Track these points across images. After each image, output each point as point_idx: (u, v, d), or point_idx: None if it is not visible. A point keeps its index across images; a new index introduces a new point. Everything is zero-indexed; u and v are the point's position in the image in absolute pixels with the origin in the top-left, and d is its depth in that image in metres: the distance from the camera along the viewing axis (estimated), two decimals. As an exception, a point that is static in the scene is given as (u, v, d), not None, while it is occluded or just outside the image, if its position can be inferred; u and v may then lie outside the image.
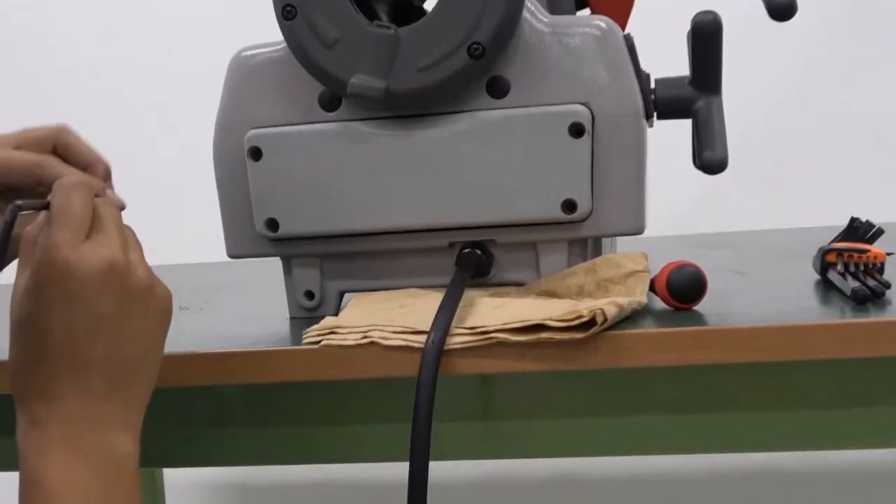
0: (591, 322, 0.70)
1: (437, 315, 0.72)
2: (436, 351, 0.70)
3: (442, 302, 0.74)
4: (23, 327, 0.63)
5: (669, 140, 1.09)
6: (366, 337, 0.74)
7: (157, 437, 0.82)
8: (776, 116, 1.61)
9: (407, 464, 0.68)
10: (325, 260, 0.86)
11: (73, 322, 0.62)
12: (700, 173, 0.83)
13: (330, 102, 0.83)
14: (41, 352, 0.62)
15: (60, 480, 0.60)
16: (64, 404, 0.62)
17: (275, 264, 0.89)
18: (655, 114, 0.87)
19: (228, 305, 1.00)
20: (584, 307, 0.70)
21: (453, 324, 0.73)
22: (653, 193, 0.92)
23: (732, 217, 1.53)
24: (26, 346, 0.63)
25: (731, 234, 1.28)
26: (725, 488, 1.68)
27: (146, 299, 0.65)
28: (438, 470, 0.84)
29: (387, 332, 0.74)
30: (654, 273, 0.79)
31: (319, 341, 0.75)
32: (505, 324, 0.72)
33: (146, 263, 0.66)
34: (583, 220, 0.81)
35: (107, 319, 0.63)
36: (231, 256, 0.87)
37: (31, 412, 0.62)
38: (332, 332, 0.76)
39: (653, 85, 0.86)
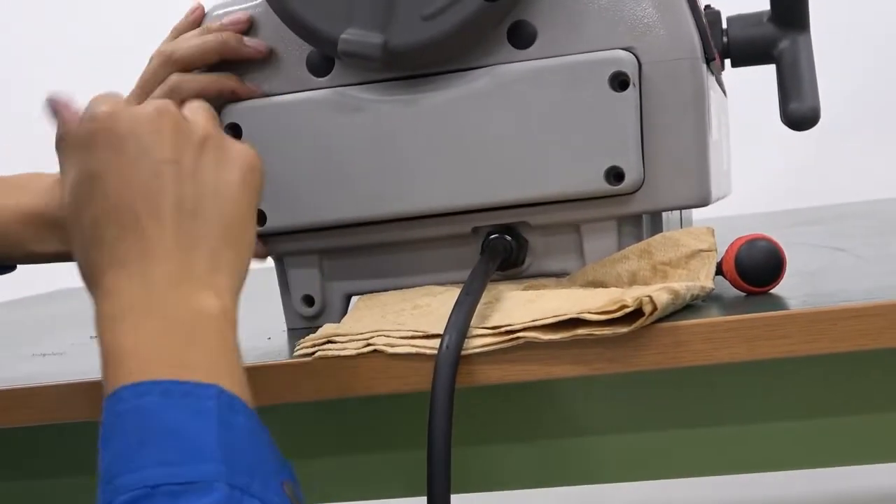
0: (638, 313, 0.66)
1: (452, 314, 0.70)
2: (451, 357, 0.68)
3: (458, 298, 0.71)
4: (77, 200, 0.64)
5: (751, 91, 1.06)
6: (368, 345, 0.72)
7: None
8: (886, 58, 1.55)
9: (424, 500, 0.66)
10: (325, 257, 0.85)
11: (129, 172, 0.63)
12: (788, 130, 0.82)
13: (320, 65, 0.81)
14: (103, 216, 0.63)
15: (135, 347, 0.61)
16: (133, 266, 0.63)
17: (267, 267, 0.87)
18: (728, 60, 0.86)
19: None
20: (630, 295, 0.67)
21: (474, 323, 0.70)
22: (733, 158, 0.91)
23: (830, 185, 1.48)
24: (86, 218, 0.64)
25: (830, 206, 1.26)
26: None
27: (217, 147, 0.66)
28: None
29: (394, 337, 0.72)
30: (722, 253, 0.76)
31: (314, 352, 0.73)
32: (534, 320, 0.69)
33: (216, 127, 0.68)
34: (633, 192, 0.78)
35: (168, 164, 0.64)
36: None
37: (101, 287, 0.63)
38: (329, 342, 0.74)
39: (724, 24, 0.85)
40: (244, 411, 0.61)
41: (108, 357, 0.61)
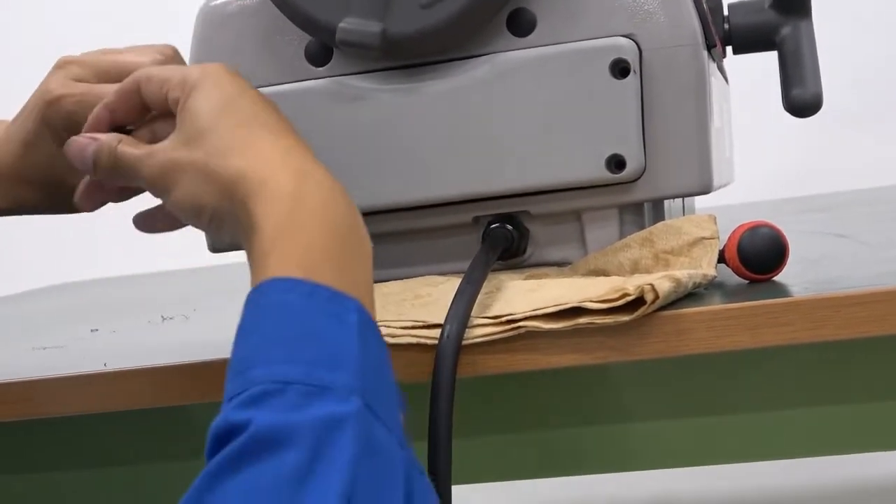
0: (640, 301, 0.66)
1: (453, 304, 0.69)
2: (453, 347, 0.67)
3: (459, 287, 0.71)
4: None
5: (754, 78, 1.06)
6: (369, 335, 0.71)
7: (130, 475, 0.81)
8: (890, 44, 1.55)
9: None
10: (326, 248, 0.83)
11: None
12: (791, 117, 0.83)
13: (318, 55, 0.81)
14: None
15: (290, 241, 0.61)
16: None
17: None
18: (730, 47, 0.86)
19: (218, 314, 0.98)
20: (632, 284, 0.67)
21: (475, 313, 0.70)
22: (736, 146, 0.91)
23: (834, 172, 1.48)
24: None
25: (833, 194, 1.25)
26: None
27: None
28: (473, 496, 0.83)
29: (394, 328, 0.72)
30: (725, 240, 0.76)
31: (314, 344, 0.72)
32: (536, 309, 0.68)
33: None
34: (634, 180, 0.77)
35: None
36: (212, 251, 0.84)
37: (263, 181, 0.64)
38: (329, 333, 0.72)
39: (726, 11, 0.85)
40: (378, 334, 0.60)
41: (260, 249, 0.61)
